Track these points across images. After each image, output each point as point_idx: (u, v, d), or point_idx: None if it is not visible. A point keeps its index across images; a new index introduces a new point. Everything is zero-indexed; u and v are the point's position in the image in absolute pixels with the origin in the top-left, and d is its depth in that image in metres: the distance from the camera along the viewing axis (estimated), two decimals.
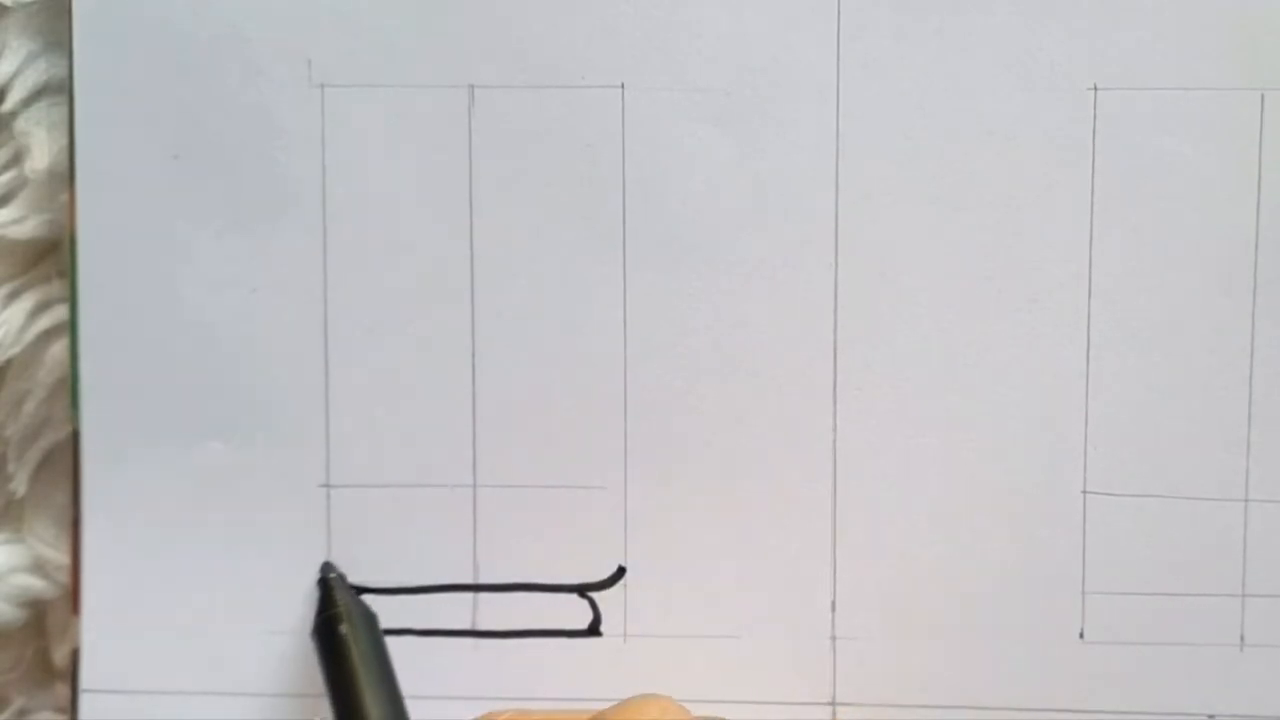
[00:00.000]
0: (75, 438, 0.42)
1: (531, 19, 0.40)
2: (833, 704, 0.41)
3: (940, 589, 0.41)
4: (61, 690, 0.43)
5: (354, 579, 0.42)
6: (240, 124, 0.41)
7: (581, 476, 0.41)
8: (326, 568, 0.41)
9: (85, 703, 0.42)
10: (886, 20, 0.40)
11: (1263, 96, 0.40)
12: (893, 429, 0.41)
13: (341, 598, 0.40)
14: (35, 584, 0.43)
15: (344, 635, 0.39)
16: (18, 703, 0.44)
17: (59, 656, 0.43)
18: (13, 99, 0.42)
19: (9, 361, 0.43)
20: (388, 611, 0.42)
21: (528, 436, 0.41)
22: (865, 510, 0.41)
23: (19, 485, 0.43)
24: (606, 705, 0.36)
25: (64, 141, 0.41)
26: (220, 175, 0.41)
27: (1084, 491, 0.41)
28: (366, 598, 0.42)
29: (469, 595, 0.42)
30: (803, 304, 0.41)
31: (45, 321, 0.42)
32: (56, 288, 0.42)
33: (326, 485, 0.42)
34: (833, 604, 0.41)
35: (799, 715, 0.41)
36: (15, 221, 0.42)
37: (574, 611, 0.42)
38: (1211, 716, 0.41)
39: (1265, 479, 0.40)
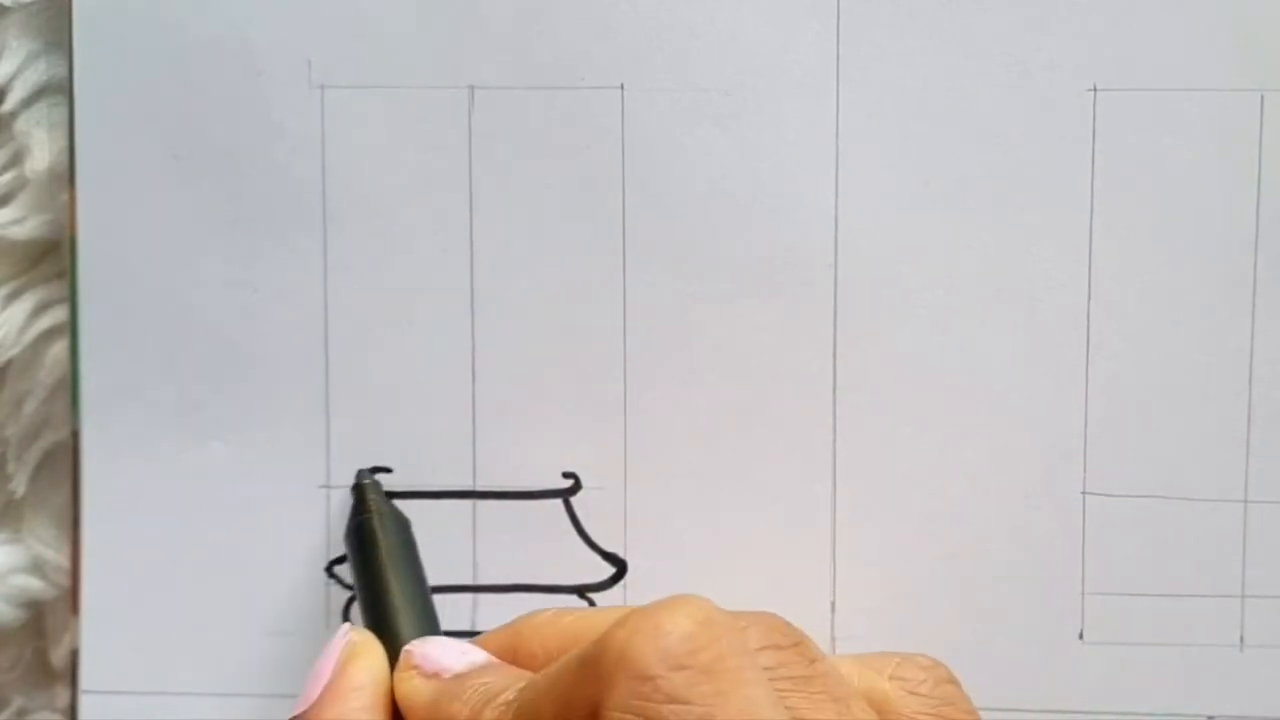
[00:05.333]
0: (75, 438, 0.42)
1: (531, 19, 0.40)
2: None
3: (940, 589, 0.41)
4: (60, 690, 0.43)
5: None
6: (240, 124, 0.41)
7: (581, 476, 0.41)
8: (361, 474, 0.41)
9: (85, 703, 0.42)
10: (886, 20, 0.40)
11: (1262, 98, 0.40)
12: (893, 429, 0.41)
13: (374, 502, 0.40)
14: (34, 584, 0.43)
15: (376, 536, 0.39)
16: (16, 703, 0.44)
17: (57, 657, 0.43)
18: (13, 99, 0.42)
19: (9, 362, 0.43)
20: None
21: (527, 437, 0.41)
22: (865, 510, 0.41)
23: (18, 485, 0.43)
24: None
25: (64, 142, 0.41)
26: (220, 175, 0.41)
27: (1083, 492, 0.41)
28: None
29: (469, 596, 0.42)
30: (803, 304, 0.41)
31: (45, 322, 0.42)
32: (56, 288, 0.42)
33: (327, 486, 0.42)
34: (832, 604, 0.41)
35: None
36: (15, 222, 0.42)
37: None
38: (1211, 717, 0.41)
39: (1265, 480, 0.40)
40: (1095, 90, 0.40)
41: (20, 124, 0.42)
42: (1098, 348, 0.40)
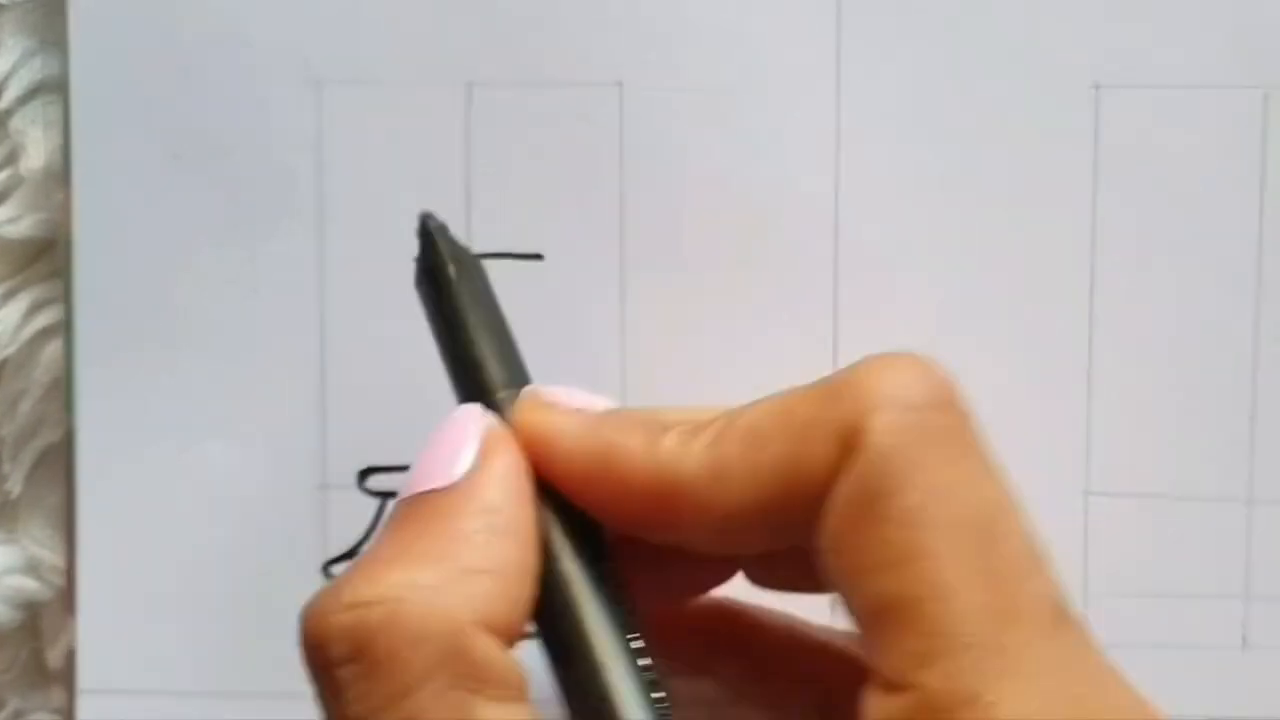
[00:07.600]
0: (70, 438, 0.42)
1: (529, 17, 0.40)
2: None
3: None
4: (56, 691, 0.43)
5: None
6: (237, 122, 0.41)
7: None
8: (427, 217, 0.36)
9: (83, 703, 0.42)
10: (887, 19, 0.40)
11: (1266, 96, 0.40)
12: None
13: (445, 245, 0.36)
14: (30, 585, 0.43)
15: (452, 279, 0.35)
16: (12, 704, 0.44)
17: (53, 658, 0.43)
18: (8, 97, 0.42)
19: (4, 361, 0.42)
20: None
21: None
22: None
23: (14, 486, 0.43)
24: None
25: (60, 140, 0.41)
26: (217, 173, 0.41)
27: (1086, 492, 0.41)
28: None
29: None
30: (803, 304, 0.41)
31: (41, 321, 0.42)
32: (52, 287, 0.42)
33: (325, 486, 0.42)
34: (833, 604, 0.41)
35: None
36: (11, 221, 0.42)
37: None
38: (1213, 718, 0.41)
39: (1268, 479, 0.40)
40: (1098, 87, 0.40)
41: (15, 122, 0.42)
42: (1100, 346, 0.40)
